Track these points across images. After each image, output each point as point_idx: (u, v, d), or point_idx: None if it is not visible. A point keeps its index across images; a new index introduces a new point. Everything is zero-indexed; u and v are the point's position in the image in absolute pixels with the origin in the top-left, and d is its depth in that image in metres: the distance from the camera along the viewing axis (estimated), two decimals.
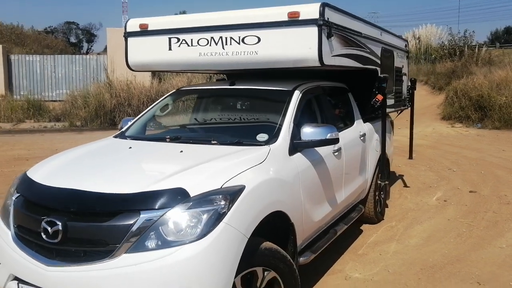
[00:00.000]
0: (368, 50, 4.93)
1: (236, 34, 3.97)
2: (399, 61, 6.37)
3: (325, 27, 3.73)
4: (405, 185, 7.56)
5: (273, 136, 3.55)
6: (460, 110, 15.48)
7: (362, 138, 5.03)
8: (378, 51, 5.30)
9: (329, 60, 3.87)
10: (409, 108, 7.35)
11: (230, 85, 4.39)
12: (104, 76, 18.06)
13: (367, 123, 5.39)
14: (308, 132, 3.58)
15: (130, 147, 3.64)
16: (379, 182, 5.46)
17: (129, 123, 4.34)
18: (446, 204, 6.51)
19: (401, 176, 8.13)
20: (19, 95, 18.67)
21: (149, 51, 4.43)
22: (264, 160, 3.23)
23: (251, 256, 2.84)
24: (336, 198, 4.29)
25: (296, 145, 3.60)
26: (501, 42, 42.08)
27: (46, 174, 3.18)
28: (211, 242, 2.55)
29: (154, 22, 4.38)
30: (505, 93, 14.79)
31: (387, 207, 6.37)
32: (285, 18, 3.78)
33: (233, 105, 4.50)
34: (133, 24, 4.48)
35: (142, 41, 4.47)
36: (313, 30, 3.69)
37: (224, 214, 2.65)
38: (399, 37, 6.69)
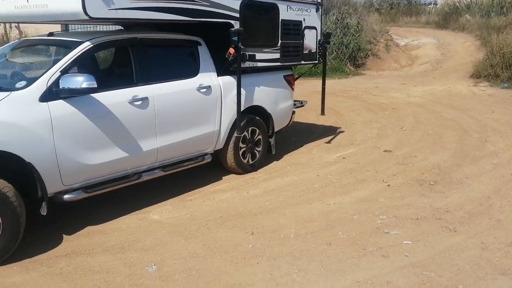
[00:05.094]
0: (207, 3, 4.97)
1: None
2: (294, 14, 6.19)
3: None
4: (329, 142, 7.45)
5: (30, 83, 3.91)
6: (490, 68, 14.16)
7: (203, 90, 5.15)
8: (234, 4, 5.29)
9: (103, 13, 4.06)
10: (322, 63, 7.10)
11: (48, 36, 4.76)
12: None
13: (227, 76, 5.47)
14: (65, 80, 3.91)
15: None
16: (235, 135, 5.56)
17: None
18: (341, 161, 6.39)
19: (340, 133, 7.97)
20: None
21: None
22: None
23: None
24: (140, 146, 4.55)
25: (57, 92, 3.94)
26: None
27: None
28: None
29: None
30: None
31: (278, 160, 6.44)
32: None
33: (43, 54, 4.88)
34: None
35: None
36: None
37: None
38: None
